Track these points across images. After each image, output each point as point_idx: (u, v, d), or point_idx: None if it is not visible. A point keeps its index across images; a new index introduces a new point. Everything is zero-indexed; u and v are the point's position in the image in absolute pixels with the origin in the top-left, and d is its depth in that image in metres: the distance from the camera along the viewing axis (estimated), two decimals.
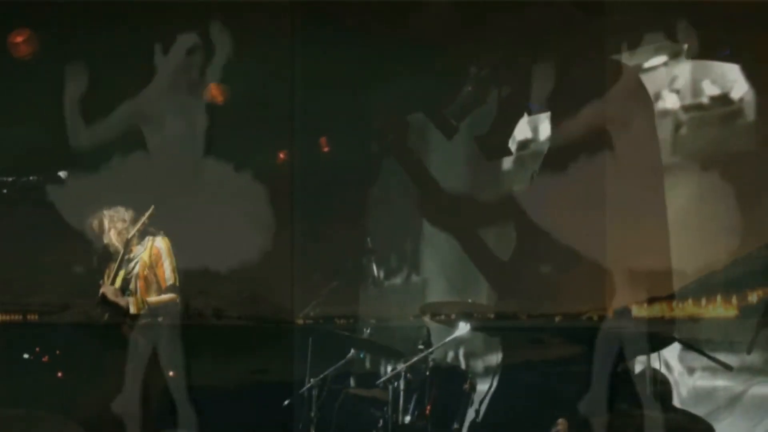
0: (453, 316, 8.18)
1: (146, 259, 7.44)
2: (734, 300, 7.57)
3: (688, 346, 7.65)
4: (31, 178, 7.67)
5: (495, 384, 7.99)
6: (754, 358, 7.39)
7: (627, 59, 8.14)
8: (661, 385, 7.30)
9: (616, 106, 7.79)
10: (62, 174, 7.65)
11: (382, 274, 9.60)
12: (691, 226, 7.87)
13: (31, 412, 7.38)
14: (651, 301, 7.69)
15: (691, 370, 8.05)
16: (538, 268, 8.20)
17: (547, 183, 8.10)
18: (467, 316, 8.10)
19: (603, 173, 7.64)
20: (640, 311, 7.66)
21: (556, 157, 8.10)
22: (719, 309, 7.64)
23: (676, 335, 7.59)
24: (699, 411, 7.68)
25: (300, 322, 8.62)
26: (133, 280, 7.43)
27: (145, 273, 7.41)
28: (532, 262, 8.27)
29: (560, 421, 7.14)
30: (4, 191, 7.69)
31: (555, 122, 8.31)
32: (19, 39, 7.97)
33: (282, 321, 8.65)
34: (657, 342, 7.34)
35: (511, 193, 8.89)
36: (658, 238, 7.65)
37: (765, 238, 7.62)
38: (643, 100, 8.00)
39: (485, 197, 9.16)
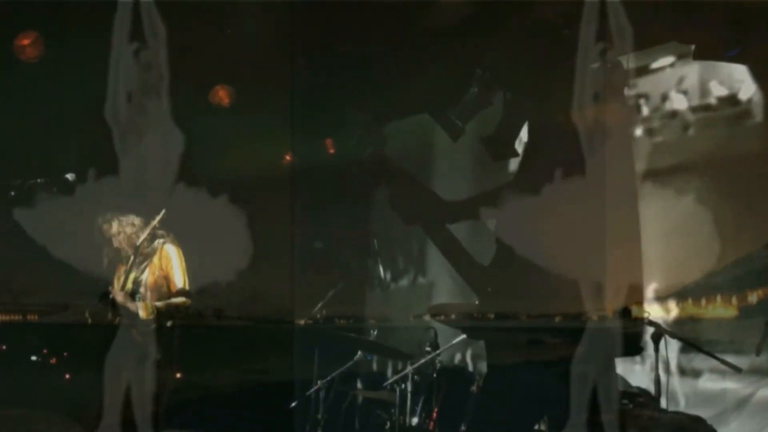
0: (453, 317, 8.32)
1: (156, 263, 7.51)
2: (734, 300, 7.71)
3: (698, 348, 7.69)
4: (38, 180, 7.75)
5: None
6: (762, 359, 7.44)
7: (634, 60, 8.16)
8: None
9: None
10: (70, 176, 7.73)
11: (388, 276, 9.72)
12: (696, 226, 7.95)
13: (31, 412, 7.43)
14: (651, 301, 7.87)
15: (698, 372, 8.15)
16: (519, 272, 8.18)
17: (530, 187, 8.04)
18: (468, 317, 8.21)
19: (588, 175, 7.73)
20: (640, 311, 7.70)
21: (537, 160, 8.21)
22: (719, 309, 7.77)
23: (680, 335, 7.71)
24: (707, 413, 7.79)
25: (301, 322, 8.71)
26: (143, 284, 7.53)
27: (156, 277, 7.50)
28: (513, 267, 8.29)
29: None
30: (12, 193, 7.77)
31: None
32: (25, 42, 8.04)
33: (282, 321, 8.73)
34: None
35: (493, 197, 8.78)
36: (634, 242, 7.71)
37: (766, 238, 7.74)
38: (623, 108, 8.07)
39: (467, 203, 9.26)
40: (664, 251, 8.12)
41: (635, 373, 8.34)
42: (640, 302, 7.78)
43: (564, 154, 7.76)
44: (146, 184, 7.80)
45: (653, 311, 7.86)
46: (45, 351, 8.26)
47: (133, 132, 7.80)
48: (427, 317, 8.54)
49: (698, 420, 7.18)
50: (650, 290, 8.15)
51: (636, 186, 7.77)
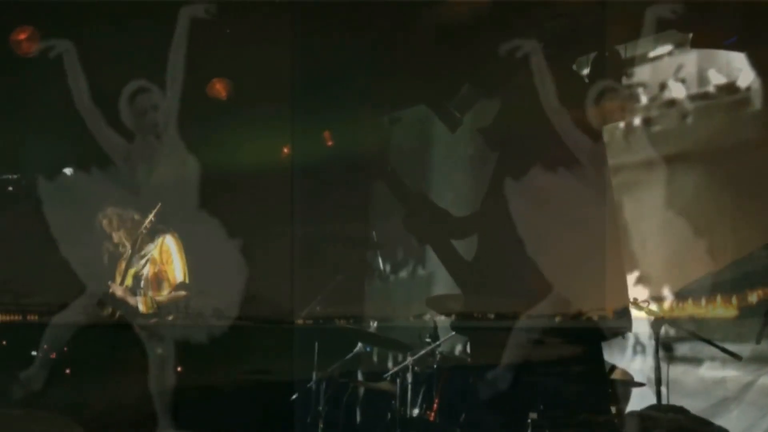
0: (453, 317, 8.41)
1: (157, 257, 7.68)
2: (734, 300, 7.79)
3: (698, 336, 7.87)
4: (35, 176, 7.88)
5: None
6: (763, 347, 7.63)
7: (631, 49, 8.29)
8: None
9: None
10: (68, 171, 7.85)
11: (387, 268, 9.86)
12: (695, 219, 7.96)
13: (31, 412, 7.55)
14: (650, 300, 7.88)
15: (699, 361, 8.27)
16: (502, 268, 8.20)
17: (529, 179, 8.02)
18: (466, 316, 8.31)
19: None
20: (639, 311, 7.83)
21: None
22: (719, 309, 7.85)
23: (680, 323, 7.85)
24: (708, 401, 7.93)
25: (300, 322, 8.81)
26: (143, 278, 7.70)
27: (156, 271, 7.65)
28: (496, 262, 8.31)
29: None
30: (9, 189, 7.88)
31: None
32: (22, 36, 8.10)
33: (282, 321, 8.79)
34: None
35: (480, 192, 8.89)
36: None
37: (766, 237, 7.86)
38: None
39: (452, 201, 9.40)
40: (662, 246, 8.26)
41: (635, 362, 8.51)
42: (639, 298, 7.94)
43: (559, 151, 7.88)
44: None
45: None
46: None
47: (143, 167, 8.00)
48: (427, 317, 8.62)
49: (681, 410, 7.31)
50: (649, 289, 8.28)
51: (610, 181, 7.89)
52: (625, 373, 8.25)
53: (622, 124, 8.40)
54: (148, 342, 7.71)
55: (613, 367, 8.11)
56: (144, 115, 7.86)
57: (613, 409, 7.85)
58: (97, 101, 7.98)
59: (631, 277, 8.03)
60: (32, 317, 8.41)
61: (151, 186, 7.95)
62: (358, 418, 8.22)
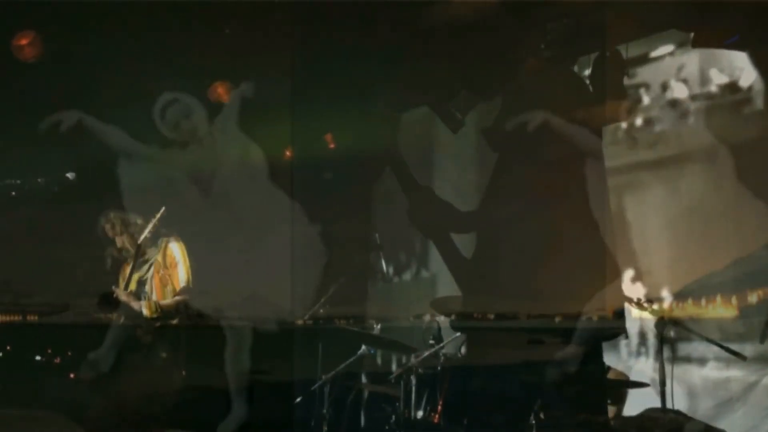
0: (453, 317, 8.43)
1: (160, 261, 7.73)
2: (734, 300, 7.86)
3: (702, 336, 7.80)
4: (39, 180, 7.90)
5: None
6: (767, 347, 7.61)
7: (632, 49, 8.24)
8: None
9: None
10: (70, 175, 7.89)
11: (391, 271, 9.88)
12: (696, 219, 8.14)
13: (31, 413, 7.55)
14: (650, 301, 7.87)
15: (703, 361, 8.30)
16: (501, 267, 8.14)
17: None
18: (466, 316, 8.33)
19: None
20: (639, 311, 7.86)
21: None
22: (719, 309, 7.91)
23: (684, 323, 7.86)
24: (712, 402, 7.96)
25: (300, 322, 8.82)
26: (148, 282, 7.74)
27: (160, 275, 7.71)
28: (495, 261, 8.27)
29: None
30: (13, 193, 7.91)
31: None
32: (23, 42, 8.11)
33: (282, 321, 8.76)
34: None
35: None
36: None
37: (766, 237, 7.86)
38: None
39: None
40: (664, 246, 8.28)
41: (639, 362, 8.54)
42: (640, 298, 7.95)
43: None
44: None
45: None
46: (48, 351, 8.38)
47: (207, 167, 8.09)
48: (427, 317, 8.64)
49: (678, 413, 7.33)
50: (649, 289, 8.29)
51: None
52: (620, 373, 8.28)
53: (624, 124, 8.45)
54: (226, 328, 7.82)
55: (608, 368, 8.13)
56: (178, 127, 7.93)
57: (611, 410, 7.88)
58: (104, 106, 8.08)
59: (634, 276, 8.07)
60: (32, 317, 8.47)
61: (222, 178, 8.04)
62: (362, 421, 8.21)
